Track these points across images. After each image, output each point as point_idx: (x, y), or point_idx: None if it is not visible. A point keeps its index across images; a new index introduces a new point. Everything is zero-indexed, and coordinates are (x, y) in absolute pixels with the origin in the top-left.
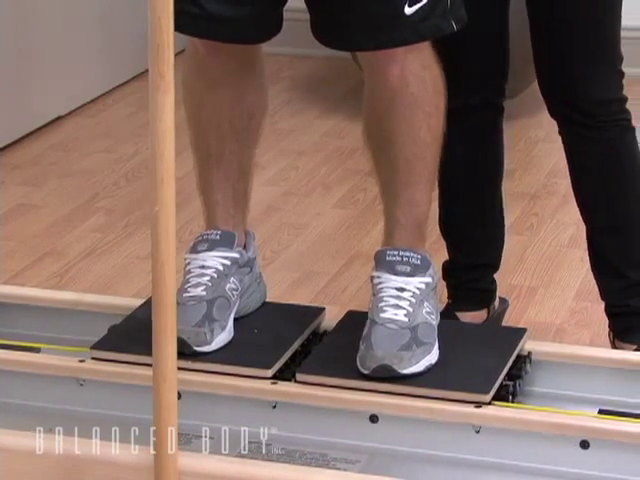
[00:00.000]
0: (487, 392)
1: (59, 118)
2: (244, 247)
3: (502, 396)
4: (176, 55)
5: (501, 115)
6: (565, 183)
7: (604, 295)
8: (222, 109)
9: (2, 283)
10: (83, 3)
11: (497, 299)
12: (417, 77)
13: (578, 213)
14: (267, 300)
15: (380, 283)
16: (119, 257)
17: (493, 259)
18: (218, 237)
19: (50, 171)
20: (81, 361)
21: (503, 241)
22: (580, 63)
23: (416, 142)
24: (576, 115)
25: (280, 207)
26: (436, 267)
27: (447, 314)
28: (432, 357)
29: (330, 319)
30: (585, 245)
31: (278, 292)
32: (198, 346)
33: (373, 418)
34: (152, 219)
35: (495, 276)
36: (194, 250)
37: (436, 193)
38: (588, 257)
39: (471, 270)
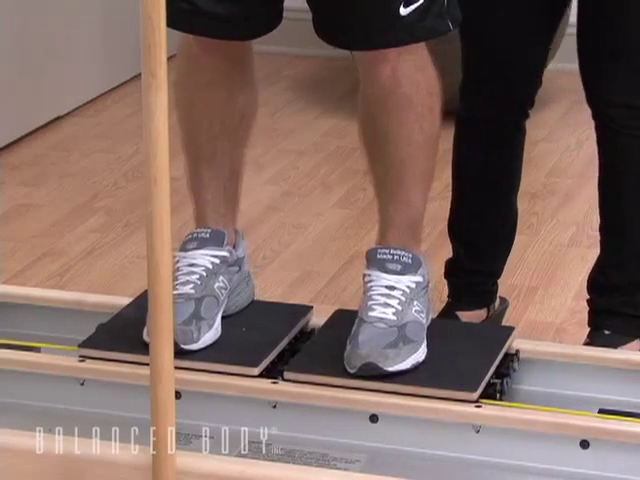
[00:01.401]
0: (474, 390)
1: (58, 118)
2: (234, 246)
3: (489, 394)
4: (168, 59)
5: (523, 136)
6: (565, 183)
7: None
8: (214, 109)
9: (2, 283)
10: (83, 3)
11: (497, 299)
12: (410, 78)
13: (578, 213)
14: (256, 299)
15: (370, 281)
16: (119, 257)
17: (497, 269)
18: (208, 235)
19: (50, 171)
20: (81, 361)
21: (509, 253)
22: (608, 63)
23: (409, 142)
24: (597, 111)
25: (280, 207)
26: (435, 267)
27: (447, 313)
28: (419, 355)
29: (321, 318)
30: (585, 244)
31: (278, 292)
32: (185, 344)
33: (373, 418)
34: (146, 219)
35: None
36: (184, 248)
37: (449, 195)
38: None
39: (475, 275)
